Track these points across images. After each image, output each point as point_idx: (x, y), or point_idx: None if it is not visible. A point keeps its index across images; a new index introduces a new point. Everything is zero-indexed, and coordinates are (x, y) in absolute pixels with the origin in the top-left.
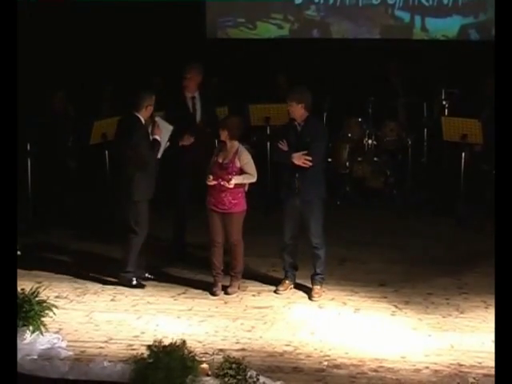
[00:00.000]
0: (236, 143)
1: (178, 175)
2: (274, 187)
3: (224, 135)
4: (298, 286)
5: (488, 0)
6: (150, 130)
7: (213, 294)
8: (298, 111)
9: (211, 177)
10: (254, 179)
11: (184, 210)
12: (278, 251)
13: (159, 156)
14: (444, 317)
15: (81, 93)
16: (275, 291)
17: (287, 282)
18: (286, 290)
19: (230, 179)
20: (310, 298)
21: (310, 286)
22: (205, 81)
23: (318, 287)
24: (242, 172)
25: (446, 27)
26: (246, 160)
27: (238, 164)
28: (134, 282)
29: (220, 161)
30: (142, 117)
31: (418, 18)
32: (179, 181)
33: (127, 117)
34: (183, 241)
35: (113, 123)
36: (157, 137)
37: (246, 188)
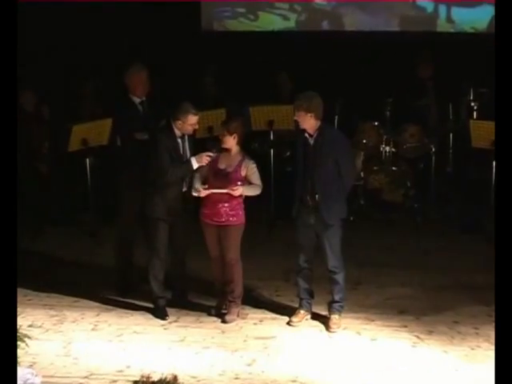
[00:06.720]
0: (239, 149)
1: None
2: (278, 201)
3: (231, 142)
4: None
5: None
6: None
7: (208, 313)
8: (308, 121)
9: (201, 188)
10: (259, 191)
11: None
12: (293, 275)
13: None
14: (473, 348)
15: (56, 92)
16: (288, 323)
17: (302, 311)
18: (301, 320)
19: (237, 187)
20: (328, 328)
21: (322, 313)
22: (199, 79)
23: (337, 317)
24: (244, 182)
25: (475, 18)
26: (254, 169)
27: (243, 173)
28: (157, 310)
29: (222, 167)
30: (177, 129)
31: (442, 8)
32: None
33: (165, 124)
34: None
35: (95, 127)
36: (193, 161)
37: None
